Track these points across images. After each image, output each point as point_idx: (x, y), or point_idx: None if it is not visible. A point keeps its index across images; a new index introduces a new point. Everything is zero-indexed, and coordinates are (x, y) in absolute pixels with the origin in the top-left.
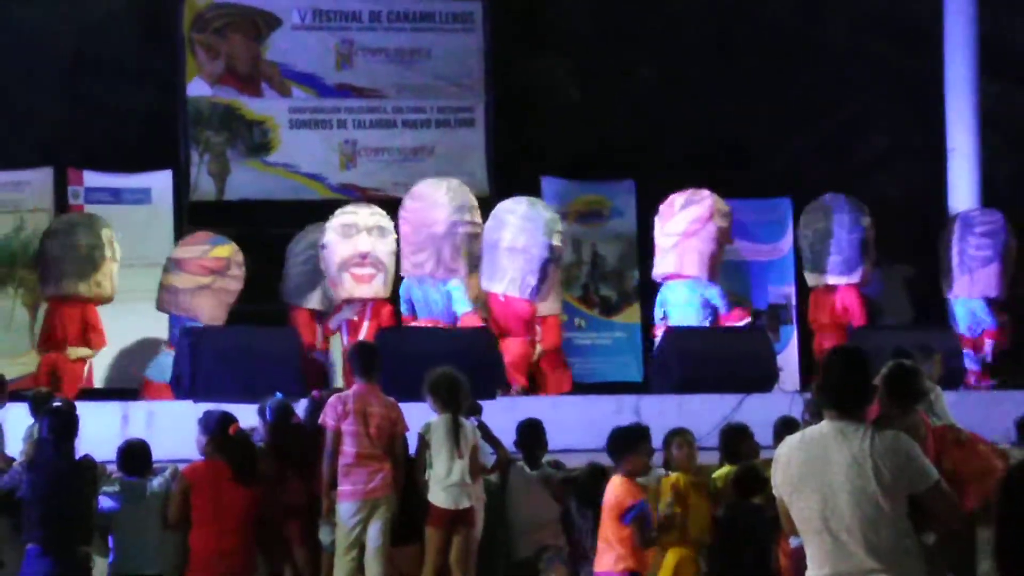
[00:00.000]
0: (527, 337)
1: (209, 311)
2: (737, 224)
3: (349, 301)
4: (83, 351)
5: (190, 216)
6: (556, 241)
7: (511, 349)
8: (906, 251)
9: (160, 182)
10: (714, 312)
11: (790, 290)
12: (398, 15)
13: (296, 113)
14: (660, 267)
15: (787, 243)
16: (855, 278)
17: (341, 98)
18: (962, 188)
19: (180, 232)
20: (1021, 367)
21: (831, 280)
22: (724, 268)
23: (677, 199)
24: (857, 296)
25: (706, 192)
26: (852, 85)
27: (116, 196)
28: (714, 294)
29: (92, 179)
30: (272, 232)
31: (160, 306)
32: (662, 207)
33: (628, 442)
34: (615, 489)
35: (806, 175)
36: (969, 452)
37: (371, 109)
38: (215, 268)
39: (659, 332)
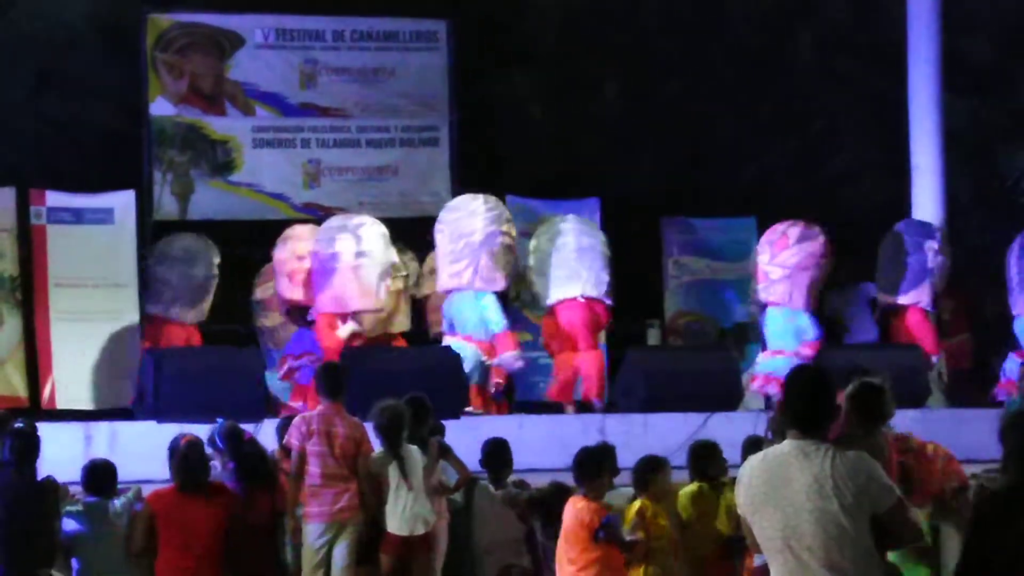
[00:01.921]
0: (596, 347)
1: None
2: (702, 242)
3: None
4: None
5: (153, 236)
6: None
7: (588, 363)
8: (871, 269)
9: (123, 202)
10: (811, 338)
11: (755, 309)
12: (362, 34)
13: (260, 132)
14: (766, 294)
15: (752, 262)
16: (916, 298)
17: (305, 117)
18: (926, 205)
19: (143, 252)
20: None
21: (900, 300)
22: (689, 287)
23: (791, 231)
24: (922, 317)
25: (818, 228)
26: (818, 103)
27: (78, 216)
28: (807, 323)
29: (54, 199)
30: (236, 252)
31: (262, 346)
32: (773, 236)
33: (595, 465)
34: (579, 513)
35: (772, 193)
36: (919, 457)
37: (335, 128)
38: None
39: (763, 358)
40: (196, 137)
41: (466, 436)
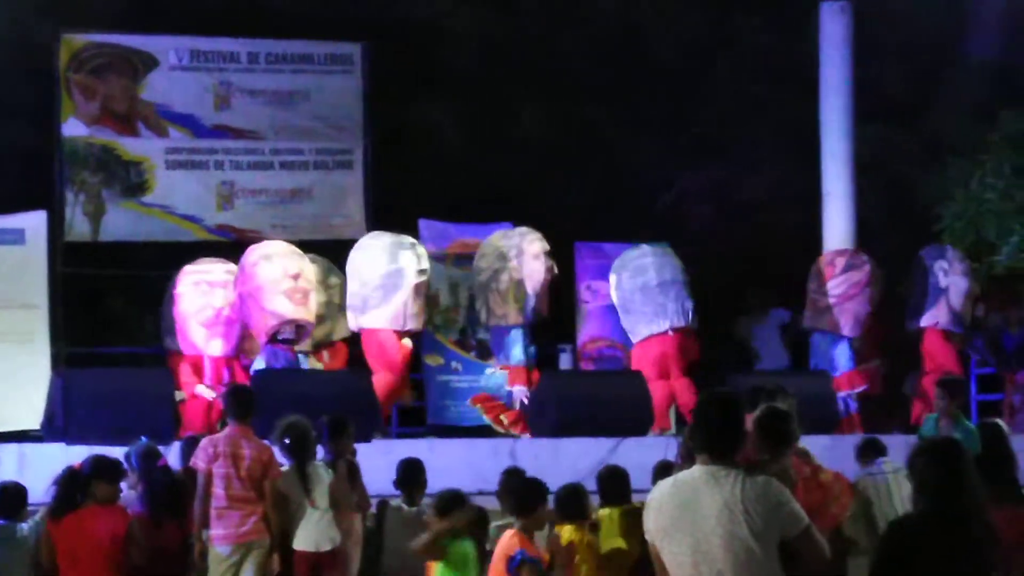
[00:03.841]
0: (685, 375)
1: None
2: None
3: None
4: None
5: (64, 257)
6: None
7: (683, 391)
8: (784, 295)
9: (34, 223)
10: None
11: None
12: (276, 57)
13: (173, 154)
14: (813, 321)
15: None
16: (932, 319)
17: (218, 139)
18: (837, 231)
19: (54, 273)
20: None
21: (920, 324)
22: (602, 312)
23: (839, 260)
24: (940, 339)
25: (865, 256)
26: (733, 130)
27: None
28: (845, 350)
29: None
30: (148, 274)
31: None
32: (822, 265)
33: (536, 497)
34: (506, 541)
35: (686, 219)
36: (812, 483)
37: (249, 150)
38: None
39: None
40: (109, 158)
41: (379, 459)
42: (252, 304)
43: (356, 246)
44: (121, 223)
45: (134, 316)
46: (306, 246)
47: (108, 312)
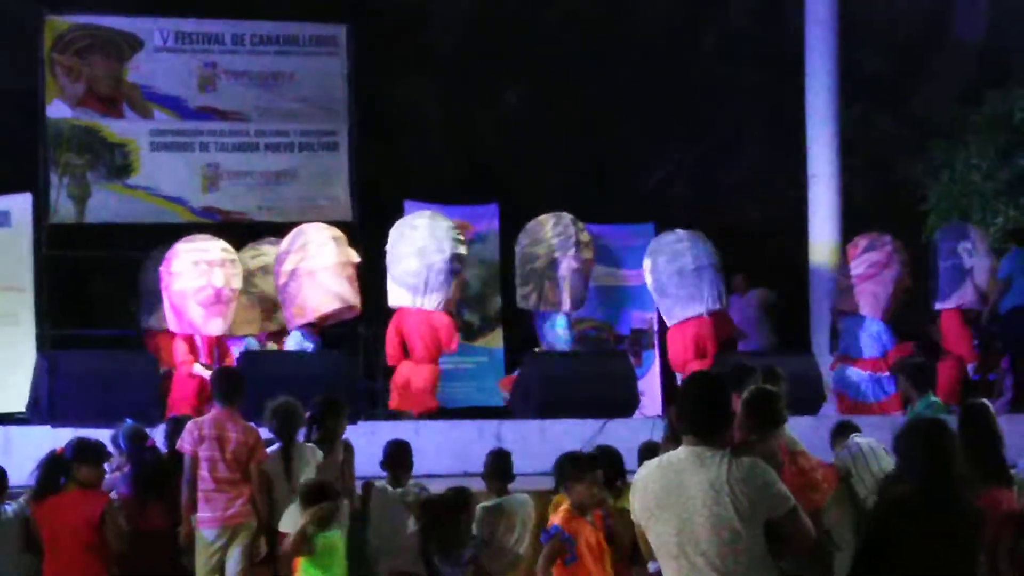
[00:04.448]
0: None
1: None
2: (601, 249)
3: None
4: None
5: (49, 239)
6: None
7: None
8: (768, 276)
9: (19, 205)
10: (884, 346)
11: (652, 316)
12: (261, 38)
13: (158, 136)
14: (839, 302)
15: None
16: (957, 301)
17: (204, 121)
18: (823, 213)
19: (39, 255)
20: None
21: (939, 306)
22: (596, 293)
23: (860, 241)
24: (958, 323)
25: (888, 237)
26: (719, 112)
27: None
28: (880, 330)
29: None
30: (133, 255)
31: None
32: (848, 246)
33: (575, 469)
34: (555, 514)
35: (671, 200)
36: (794, 468)
37: (234, 132)
38: None
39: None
40: (93, 140)
41: (364, 440)
42: (310, 282)
43: (413, 224)
44: (106, 205)
45: (119, 298)
46: (292, 228)
47: (93, 294)
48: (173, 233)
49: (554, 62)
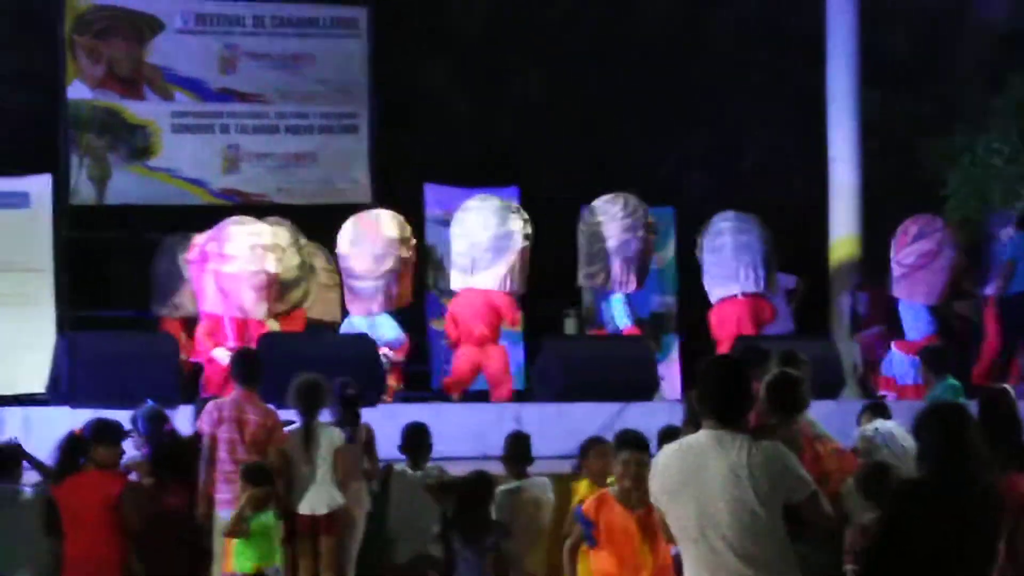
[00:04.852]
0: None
1: None
2: None
3: None
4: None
5: (69, 221)
6: None
7: None
8: (789, 260)
9: (39, 186)
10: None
11: (672, 299)
12: (282, 20)
13: (178, 117)
14: (894, 288)
15: (670, 252)
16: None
17: (224, 103)
18: (843, 196)
19: (59, 236)
20: None
21: (986, 292)
22: None
23: (911, 227)
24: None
25: (939, 223)
26: (737, 94)
27: None
28: (921, 318)
29: None
30: (153, 237)
31: None
32: (898, 231)
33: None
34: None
35: (690, 184)
36: (813, 453)
37: (254, 114)
38: None
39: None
40: (114, 121)
41: (384, 423)
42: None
43: (464, 207)
44: (126, 186)
45: (139, 279)
46: (312, 211)
47: (113, 275)
48: (193, 215)
49: (575, 44)
